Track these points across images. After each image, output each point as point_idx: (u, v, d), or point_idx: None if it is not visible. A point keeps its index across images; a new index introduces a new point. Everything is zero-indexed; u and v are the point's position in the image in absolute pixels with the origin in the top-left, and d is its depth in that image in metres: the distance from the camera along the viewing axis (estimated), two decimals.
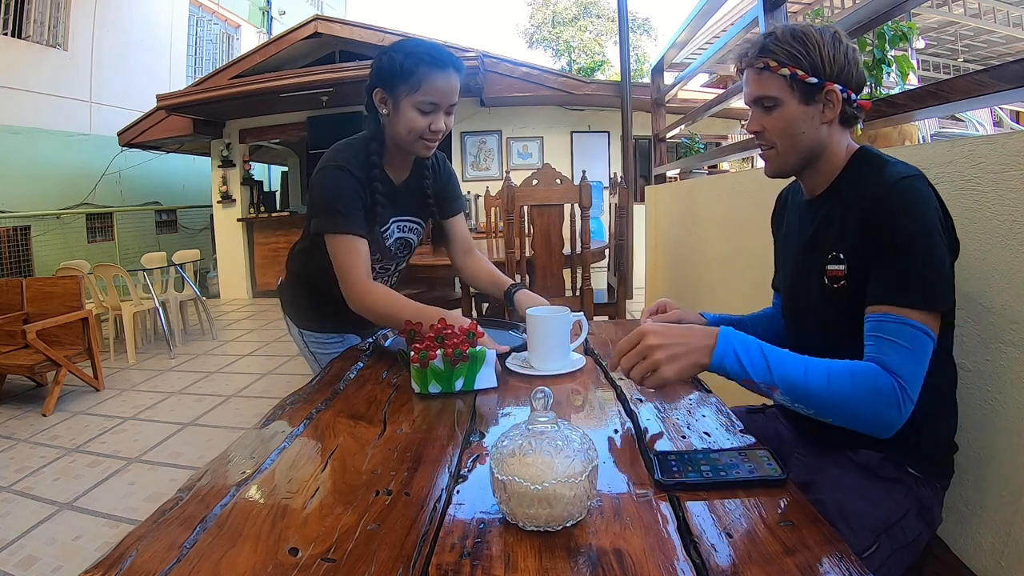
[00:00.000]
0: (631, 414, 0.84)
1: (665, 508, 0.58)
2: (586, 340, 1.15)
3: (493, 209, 4.51)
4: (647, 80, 3.76)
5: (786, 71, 0.83)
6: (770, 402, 1.10)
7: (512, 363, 1.08)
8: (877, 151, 0.89)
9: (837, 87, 0.83)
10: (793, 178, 1.00)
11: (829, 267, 0.87)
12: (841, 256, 0.85)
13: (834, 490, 0.82)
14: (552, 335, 1.03)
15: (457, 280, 3.82)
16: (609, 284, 3.45)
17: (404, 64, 1.13)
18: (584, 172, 2.62)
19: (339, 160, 1.22)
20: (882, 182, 0.79)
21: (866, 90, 1.67)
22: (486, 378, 0.97)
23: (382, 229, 1.30)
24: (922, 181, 0.78)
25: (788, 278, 1.02)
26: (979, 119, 4.30)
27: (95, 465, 2.53)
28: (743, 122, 0.96)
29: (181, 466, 2.50)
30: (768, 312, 1.17)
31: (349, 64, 5.68)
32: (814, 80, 0.83)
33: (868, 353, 0.76)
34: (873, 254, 0.79)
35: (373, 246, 1.28)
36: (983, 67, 1.23)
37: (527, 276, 2.60)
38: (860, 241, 0.81)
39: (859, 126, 0.92)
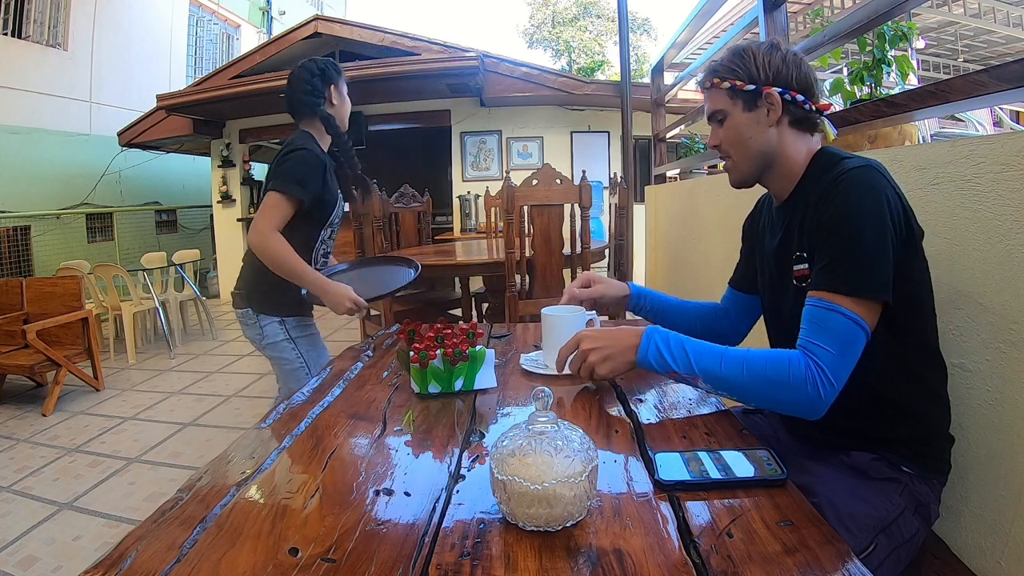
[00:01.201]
0: (631, 414, 0.84)
1: (665, 508, 0.58)
2: None
3: (493, 209, 4.52)
4: (647, 80, 3.76)
5: (727, 84, 0.91)
6: None
7: (527, 364, 1.08)
8: (836, 150, 0.91)
9: (775, 90, 0.88)
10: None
11: (795, 267, 0.89)
12: (804, 255, 0.87)
13: (828, 491, 0.82)
14: (568, 335, 1.02)
15: (457, 280, 3.83)
16: None
17: (333, 65, 1.64)
18: (584, 172, 2.62)
19: (316, 150, 1.58)
20: (831, 176, 0.83)
21: (866, 90, 1.68)
22: (486, 378, 0.98)
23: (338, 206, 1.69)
24: (868, 171, 0.80)
25: (766, 288, 1.05)
26: (979, 119, 4.29)
27: (95, 465, 2.53)
28: None
29: (181, 466, 2.50)
30: (711, 305, 1.20)
31: (349, 64, 5.66)
32: (752, 87, 0.89)
33: (799, 338, 0.79)
34: (817, 243, 0.83)
35: (336, 221, 1.70)
36: (983, 67, 1.23)
37: (527, 276, 2.60)
38: (814, 235, 0.84)
39: (832, 131, 0.93)
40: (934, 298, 0.87)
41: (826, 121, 0.92)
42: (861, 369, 0.77)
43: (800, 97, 0.89)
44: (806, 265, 0.86)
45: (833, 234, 0.79)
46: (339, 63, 1.74)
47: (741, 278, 1.15)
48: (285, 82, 1.65)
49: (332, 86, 1.62)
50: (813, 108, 0.90)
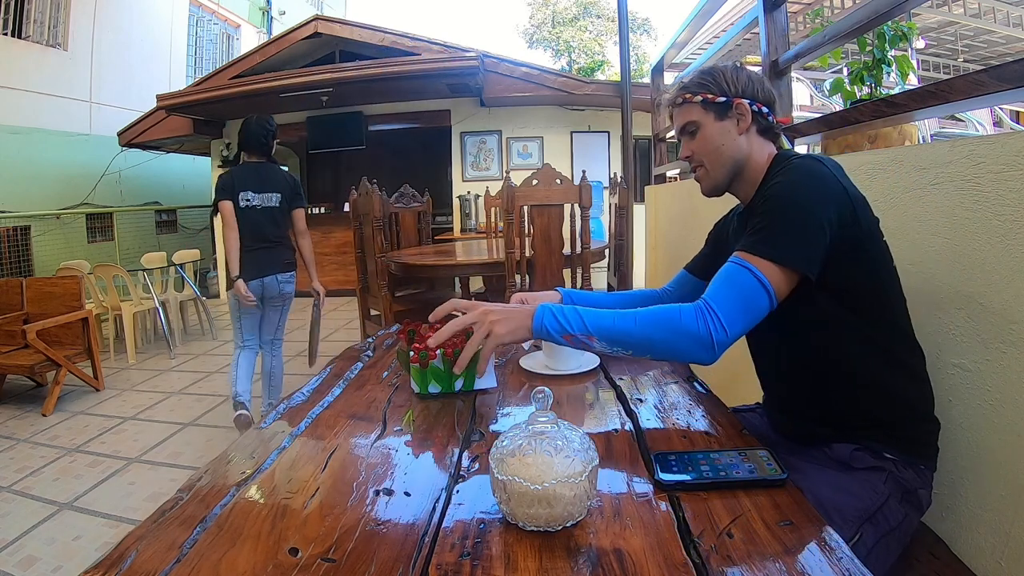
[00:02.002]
0: (631, 414, 0.84)
1: (665, 508, 0.58)
2: None
3: (493, 209, 4.52)
4: (647, 80, 3.76)
5: (699, 98, 0.98)
6: (759, 400, 1.11)
7: (528, 364, 1.09)
8: (790, 152, 0.97)
9: (745, 101, 0.96)
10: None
11: None
12: None
13: (812, 487, 0.83)
14: None
15: (457, 280, 3.83)
16: (609, 284, 3.45)
17: (274, 123, 2.79)
18: (584, 172, 2.62)
19: None
20: (779, 169, 0.89)
21: (866, 90, 1.68)
22: (486, 378, 0.98)
23: None
24: (811, 160, 0.86)
25: None
26: (979, 119, 4.30)
27: (95, 465, 2.53)
28: None
29: (181, 466, 2.50)
30: (645, 293, 1.23)
31: (349, 64, 5.67)
32: (723, 99, 0.97)
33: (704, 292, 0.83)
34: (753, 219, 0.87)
35: None
36: (983, 67, 1.23)
37: (527, 276, 2.60)
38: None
39: (786, 142, 1.04)
40: (900, 283, 0.89)
41: (783, 135, 1.02)
42: (834, 353, 0.79)
43: (765, 109, 0.97)
44: None
45: (764, 207, 0.85)
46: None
47: (697, 266, 1.21)
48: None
49: (275, 139, 2.74)
50: (775, 121, 0.99)
